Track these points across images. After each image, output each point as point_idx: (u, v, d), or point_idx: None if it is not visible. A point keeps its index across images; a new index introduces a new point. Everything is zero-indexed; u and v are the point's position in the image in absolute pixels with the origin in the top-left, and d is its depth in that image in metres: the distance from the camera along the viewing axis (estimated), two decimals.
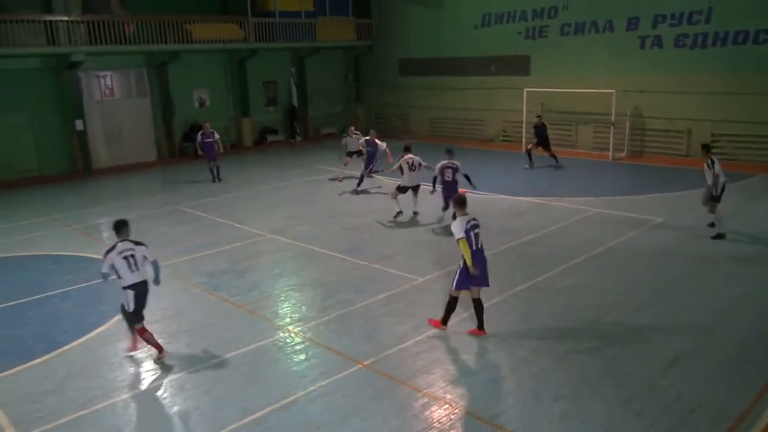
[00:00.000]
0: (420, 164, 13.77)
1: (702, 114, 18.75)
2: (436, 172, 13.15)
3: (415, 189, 13.96)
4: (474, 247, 7.73)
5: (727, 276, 9.87)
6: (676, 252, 11.04)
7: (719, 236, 11.66)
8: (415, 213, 14.07)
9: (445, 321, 8.21)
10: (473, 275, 7.69)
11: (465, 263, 7.70)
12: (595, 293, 9.34)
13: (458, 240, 7.64)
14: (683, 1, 18.81)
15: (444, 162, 13.13)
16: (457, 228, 7.69)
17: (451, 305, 8.11)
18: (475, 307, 8.06)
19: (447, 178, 13.03)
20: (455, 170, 13.02)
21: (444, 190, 13.13)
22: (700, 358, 7.32)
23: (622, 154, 20.33)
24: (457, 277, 7.93)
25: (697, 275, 10.00)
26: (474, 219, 7.86)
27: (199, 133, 18.86)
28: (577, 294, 9.34)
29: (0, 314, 9.50)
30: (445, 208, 13.18)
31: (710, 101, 18.60)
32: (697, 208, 13.57)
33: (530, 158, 19.27)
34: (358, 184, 16.93)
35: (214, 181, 18.89)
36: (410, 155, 13.90)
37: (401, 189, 13.90)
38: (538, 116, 19.84)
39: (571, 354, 7.49)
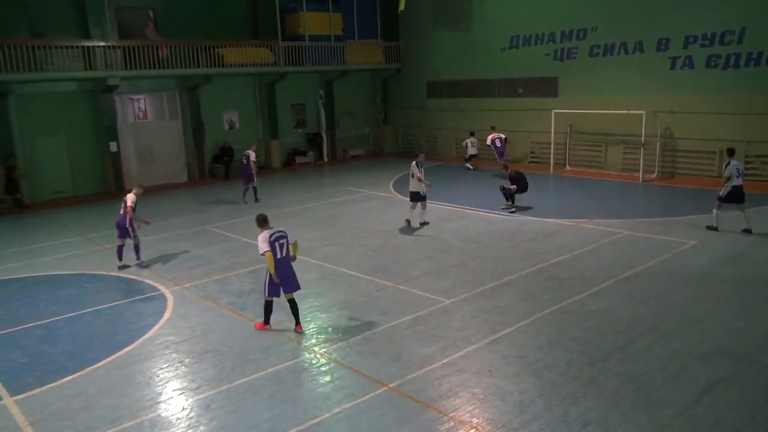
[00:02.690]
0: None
1: (735, 135, 18.37)
2: (488, 142, 21.72)
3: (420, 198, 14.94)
4: (278, 256, 8.64)
5: (765, 300, 9.57)
6: (711, 275, 10.78)
7: (710, 228, 13.35)
8: (422, 223, 14.89)
9: (267, 321, 9.17)
10: (276, 282, 8.72)
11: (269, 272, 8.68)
12: (625, 317, 9.14)
13: (263, 254, 8.51)
14: (715, 22, 18.60)
15: (492, 135, 21.71)
16: (262, 242, 8.54)
17: (268, 308, 9.11)
18: (291, 308, 9.01)
19: (498, 145, 21.50)
20: (503, 140, 21.60)
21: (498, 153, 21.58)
22: (738, 384, 7.08)
23: (653, 176, 20.03)
24: (266, 285, 8.84)
25: (734, 300, 9.72)
26: (279, 231, 8.70)
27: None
28: (607, 318, 9.16)
29: (35, 331, 9.69)
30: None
31: (743, 122, 18.26)
32: (732, 231, 13.29)
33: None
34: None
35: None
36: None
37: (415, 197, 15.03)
38: (507, 165, 17.70)
39: (601, 378, 7.33)
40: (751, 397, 6.79)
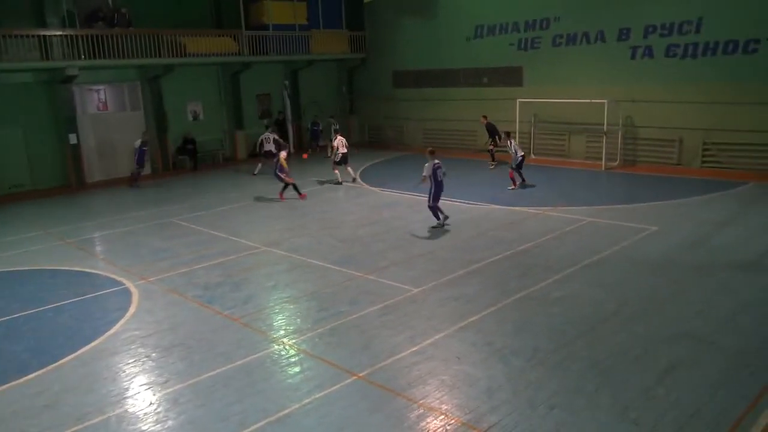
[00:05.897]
0: None
1: (693, 123, 18.89)
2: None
3: None
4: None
5: (724, 285, 9.88)
6: (671, 261, 11.07)
7: None
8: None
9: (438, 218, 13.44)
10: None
11: None
12: (589, 303, 9.35)
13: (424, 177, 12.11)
14: (673, 12, 18.99)
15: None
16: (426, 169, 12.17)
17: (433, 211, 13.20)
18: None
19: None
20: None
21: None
22: (698, 366, 7.31)
23: (615, 164, 20.43)
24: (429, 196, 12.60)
25: (693, 284, 10.00)
26: (437, 162, 12.77)
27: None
28: (572, 304, 9.35)
29: None
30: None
31: (701, 110, 18.72)
32: (691, 217, 13.68)
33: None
34: None
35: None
36: None
37: None
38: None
39: (566, 363, 7.49)
40: (709, 378, 7.02)
